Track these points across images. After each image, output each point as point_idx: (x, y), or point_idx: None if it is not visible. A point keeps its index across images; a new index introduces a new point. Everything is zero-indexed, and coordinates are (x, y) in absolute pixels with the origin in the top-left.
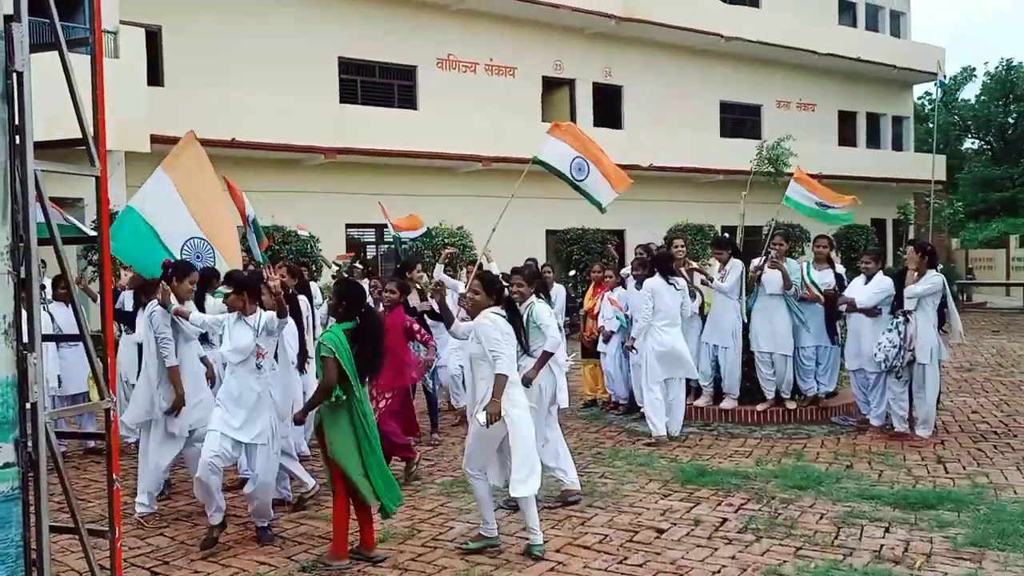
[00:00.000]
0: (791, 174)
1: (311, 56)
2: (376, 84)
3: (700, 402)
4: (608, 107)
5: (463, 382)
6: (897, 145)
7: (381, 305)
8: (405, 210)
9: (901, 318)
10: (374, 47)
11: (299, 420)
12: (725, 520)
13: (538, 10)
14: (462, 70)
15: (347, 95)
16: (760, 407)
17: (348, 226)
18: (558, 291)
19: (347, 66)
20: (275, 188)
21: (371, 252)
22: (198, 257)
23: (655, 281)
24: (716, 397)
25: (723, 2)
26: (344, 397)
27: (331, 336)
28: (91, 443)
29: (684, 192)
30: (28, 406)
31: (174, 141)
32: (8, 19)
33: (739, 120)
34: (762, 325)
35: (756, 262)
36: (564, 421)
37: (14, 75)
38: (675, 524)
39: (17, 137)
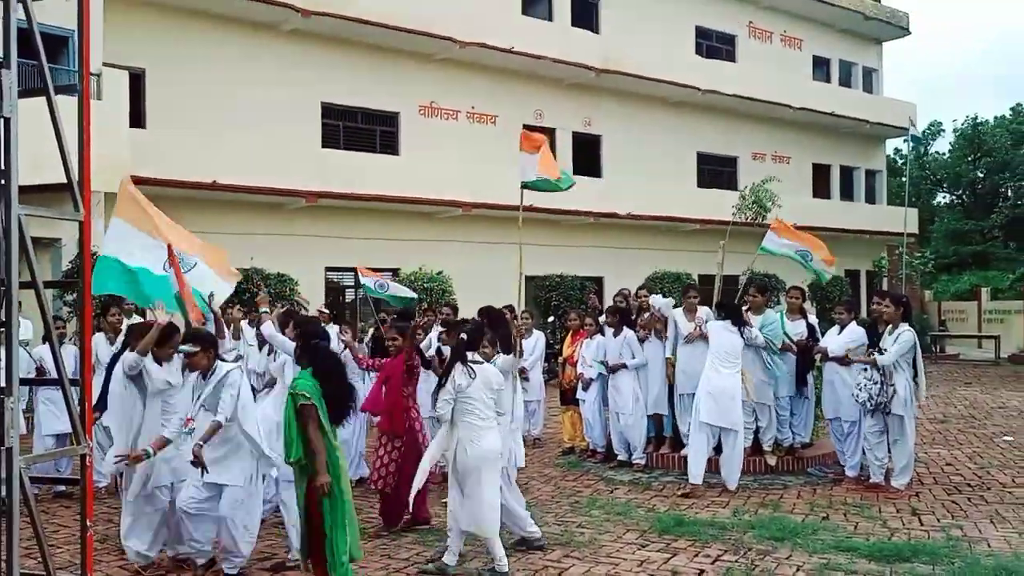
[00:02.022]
0: (768, 225)
1: (294, 101)
2: (359, 129)
3: (685, 452)
4: (588, 156)
5: None
6: (870, 198)
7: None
8: (382, 255)
9: (875, 354)
10: (357, 93)
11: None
12: (702, 572)
13: (520, 60)
14: (444, 117)
15: (329, 140)
16: None
17: (327, 269)
18: (537, 337)
19: (330, 111)
20: (256, 231)
21: (350, 296)
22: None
23: (714, 323)
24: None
25: (700, 56)
26: (304, 462)
27: (304, 383)
28: (61, 487)
29: (662, 241)
30: (3, 451)
31: (156, 183)
32: None
33: (716, 171)
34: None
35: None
36: (541, 469)
37: (1, 120)
38: (652, 575)
39: (2, 181)
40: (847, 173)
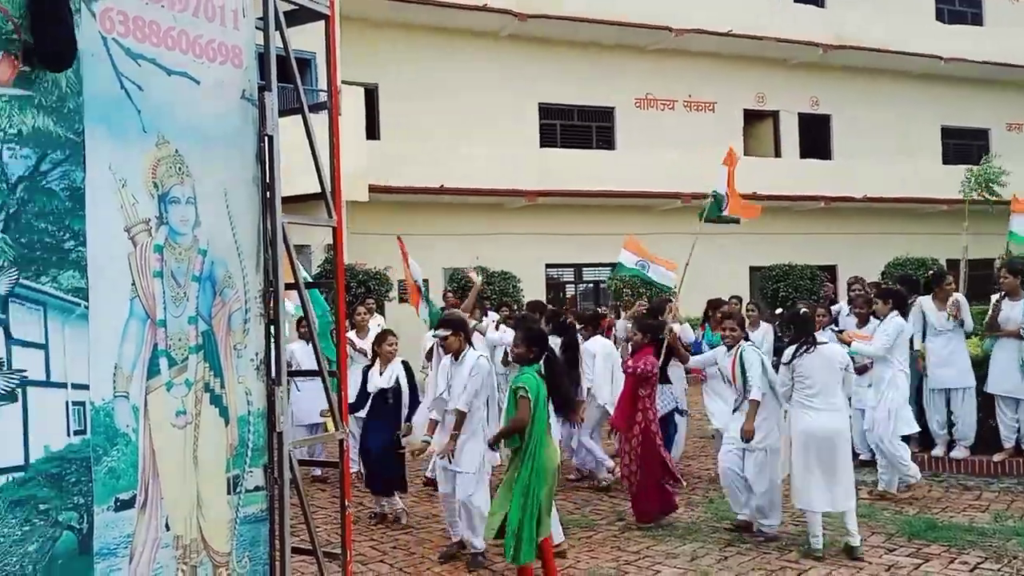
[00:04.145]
0: (1004, 201)
1: (513, 104)
2: (575, 127)
3: (936, 451)
4: (815, 138)
5: None
6: None
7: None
8: (601, 249)
9: None
10: (572, 91)
11: (491, 443)
12: None
13: (739, 43)
14: (660, 108)
15: (547, 139)
16: (997, 457)
17: (547, 266)
18: (765, 331)
19: (547, 111)
20: (480, 231)
21: (569, 291)
22: None
23: (902, 321)
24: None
25: (941, 22)
26: (519, 446)
27: (528, 378)
28: (317, 471)
29: (902, 224)
30: (275, 435)
31: (389, 190)
32: (261, 88)
33: (964, 146)
34: (1002, 367)
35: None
36: None
37: (266, 138)
38: None
39: (267, 193)
40: None
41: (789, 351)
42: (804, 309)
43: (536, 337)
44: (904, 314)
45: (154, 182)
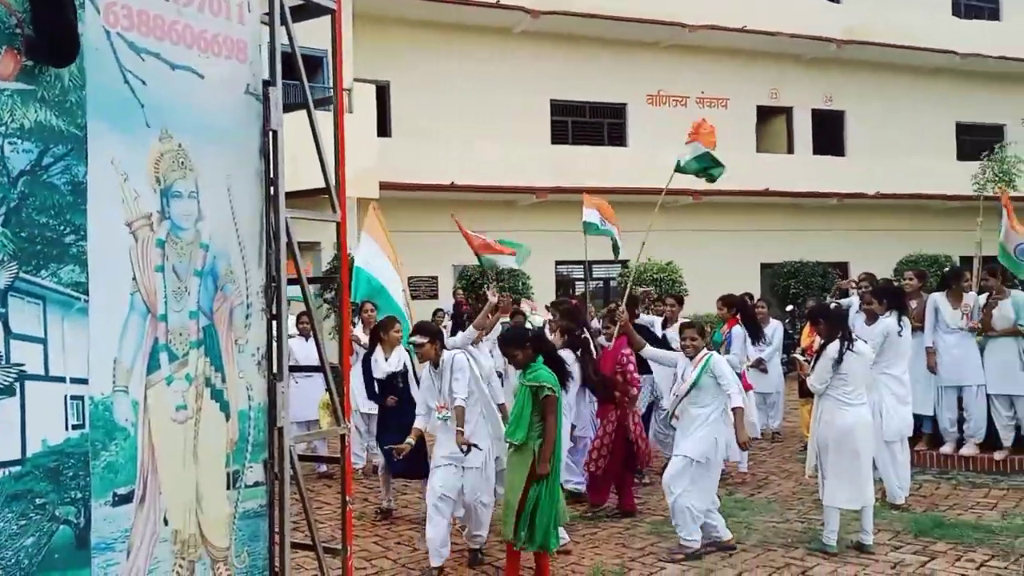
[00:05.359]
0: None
1: (524, 101)
2: (586, 124)
3: (946, 449)
4: (829, 134)
5: None
6: None
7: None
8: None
9: None
10: (584, 87)
11: (542, 465)
12: None
13: (753, 39)
14: (672, 105)
15: (558, 136)
16: (998, 455)
17: (558, 263)
18: (775, 327)
19: (558, 108)
20: (490, 228)
21: (579, 288)
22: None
23: (891, 322)
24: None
25: (957, 17)
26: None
27: (546, 374)
28: (323, 467)
29: (916, 221)
30: (276, 430)
31: (401, 187)
32: (266, 83)
33: (979, 142)
34: (995, 365)
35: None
36: (782, 464)
37: (270, 133)
38: None
39: (271, 188)
40: None
41: (834, 348)
42: (836, 310)
43: (524, 337)
44: (902, 314)
45: (157, 176)
